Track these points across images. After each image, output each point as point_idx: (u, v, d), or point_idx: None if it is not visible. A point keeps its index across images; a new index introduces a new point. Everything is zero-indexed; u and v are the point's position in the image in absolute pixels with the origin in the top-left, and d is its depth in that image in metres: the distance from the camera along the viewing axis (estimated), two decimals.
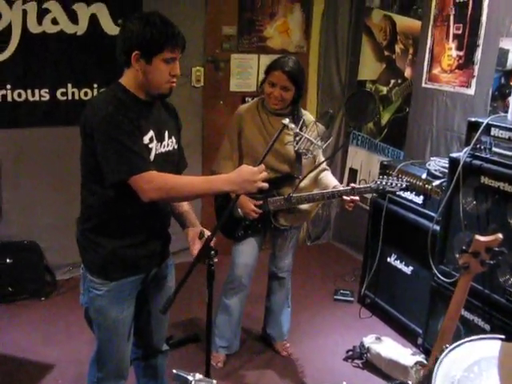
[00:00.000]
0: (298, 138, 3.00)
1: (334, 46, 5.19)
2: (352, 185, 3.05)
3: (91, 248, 2.32)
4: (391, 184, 3.05)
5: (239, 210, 3.22)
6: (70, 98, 4.26)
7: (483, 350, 2.18)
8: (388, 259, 4.05)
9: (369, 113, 3.58)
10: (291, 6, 4.94)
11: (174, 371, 1.91)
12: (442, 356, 2.14)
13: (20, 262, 4.24)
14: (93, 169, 2.20)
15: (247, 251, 3.36)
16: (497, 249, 2.26)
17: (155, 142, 2.24)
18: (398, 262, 3.97)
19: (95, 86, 4.28)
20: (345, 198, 3.02)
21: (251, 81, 4.91)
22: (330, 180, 3.24)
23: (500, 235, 2.26)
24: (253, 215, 3.18)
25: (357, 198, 3.02)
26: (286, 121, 2.42)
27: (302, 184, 3.21)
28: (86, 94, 4.29)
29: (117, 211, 2.25)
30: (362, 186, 3.07)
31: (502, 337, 2.27)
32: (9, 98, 4.09)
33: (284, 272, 3.54)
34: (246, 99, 4.78)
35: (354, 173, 5.22)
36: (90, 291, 2.34)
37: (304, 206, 3.27)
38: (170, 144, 2.34)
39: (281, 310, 3.65)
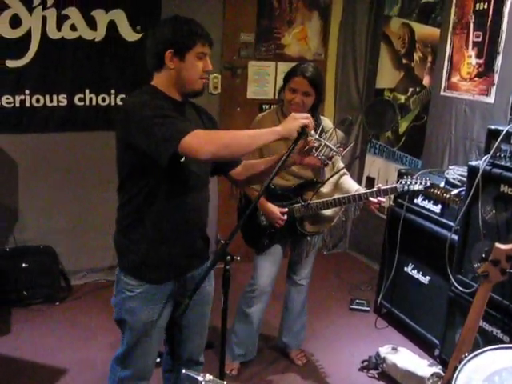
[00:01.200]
0: (317, 145, 2.98)
1: (352, 53, 5.17)
2: (378, 185, 3.06)
3: (127, 248, 2.32)
4: (415, 183, 3.03)
5: (263, 218, 3.22)
6: (87, 103, 4.29)
7: (505, 359, 2.13)
8: (405, 269, 4.00)
9: (388, 122, 3.54)
10: (309, 14, 4.94)
11: (184, 371, 1.89)
12: (461, 364, 2.10)
13: (35, 267, 4.26)
14: (133, 165, 2.20)
15: (271, 260, 3.34)
16: None
17: None
18: (415, 271, 3.92)
19: (113, 91, 4.31)
20: (371, 199, 3.02)
21: (268, 88, 4.91)
22: (350, 184, 3.23)
23: None
24: (280, 223, 3.16)
25: (383, 199, 3.03)
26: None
27: (324, 190, 3.20)
28: (103, 99, 4.31)
29: (156, 206, 2.24)
30: (387, 186, 3.06)
31: None
32: (27, 103, 4.12)
33: (303, 279, 3.51)
34: (264, 107, 4.79)
35: (371, 181, 5.18)
36: (122, 292, 2.33)
37: (328, 212, 3.26)
38: None
39: (297, 318, 3.61)
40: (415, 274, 3.91)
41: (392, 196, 3.94)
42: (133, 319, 2.35)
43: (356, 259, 5.42)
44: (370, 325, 4.15)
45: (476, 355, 2.15)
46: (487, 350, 2.18)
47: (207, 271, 2.14)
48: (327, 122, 3.32)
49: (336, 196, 3.14)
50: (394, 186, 3.06)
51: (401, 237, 3.90)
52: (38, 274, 4.26)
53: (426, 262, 3.82)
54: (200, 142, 2.03)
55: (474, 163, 3.23)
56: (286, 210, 3.18)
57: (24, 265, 4.22)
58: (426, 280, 3.82)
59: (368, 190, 3.06)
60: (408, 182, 3.04)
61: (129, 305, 2.33)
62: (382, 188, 3.03)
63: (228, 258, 2.19)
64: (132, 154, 2.17)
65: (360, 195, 3.06)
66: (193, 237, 2.40)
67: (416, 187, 3.04)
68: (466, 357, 2.13)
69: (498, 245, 2.23)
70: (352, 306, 4.44)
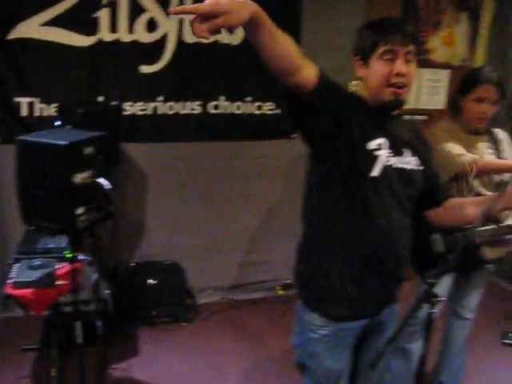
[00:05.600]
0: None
1: (503, 57, 4.66)
2: None
3: (312, 278, 1.99)
4: None
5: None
6: (221, 111, 4.04)
7: None
8: None
9: None
10: (457, 15, 4.48)
11: None
12: None
13: (162, 284, 4.04)
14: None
15: (441, 290, 2.92)
16: None
17: (386, 151, 1.90)
18: None
19: (249, 99, 4.04)
20: None
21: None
22: None
23: None
24: None
25: None
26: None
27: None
28: (238, 107, 4.06)
29: (346, 226, 1.91)
30: None
31: None
32: (159, 111, 3.92)
33: (471, 313, 3.07)
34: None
35: None
36: (304, 333, 2.01)
37: None
38: (411, 162, 2.00)
39: (457, 355, 3.17)
40: None
41: None
42: (315, 365, 2.01)
43: (505, 289, 4.89)
44: None
45: None
46: None
47: (412, 313, 1.77)
48: (500, 133, 2.89)
49: None
50: None
51: None
52: (164, 292, 4.04)
53: None
54: None
55: None
56: None
57: (150, 281, 4.01)
58: None
59: None
60: None
61: (311, 348, 2.00)
62: None
63: (435, 299, 1.83)
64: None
65: None
66: (388, 273, 2.00)
67: None
68: None
69: None
70: (505, 340, 3.96)
